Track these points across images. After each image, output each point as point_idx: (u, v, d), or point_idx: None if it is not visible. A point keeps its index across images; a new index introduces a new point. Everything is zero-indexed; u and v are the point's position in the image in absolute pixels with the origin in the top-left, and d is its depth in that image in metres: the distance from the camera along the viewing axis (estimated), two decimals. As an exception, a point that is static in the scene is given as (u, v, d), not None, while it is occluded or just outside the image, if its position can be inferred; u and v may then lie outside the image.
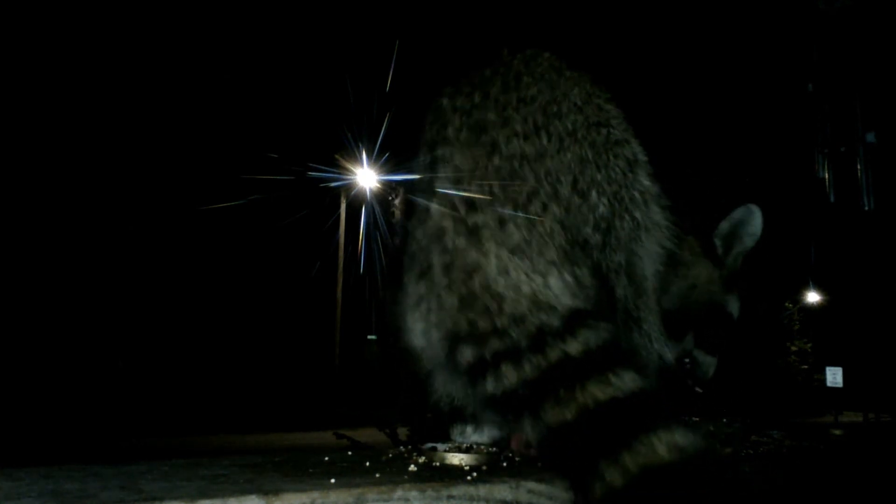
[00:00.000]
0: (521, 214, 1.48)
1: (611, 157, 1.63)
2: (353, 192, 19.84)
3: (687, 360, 2.04)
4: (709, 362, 2.05)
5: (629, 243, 1.61)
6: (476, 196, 1.50)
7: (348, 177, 19.36)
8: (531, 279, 1.41)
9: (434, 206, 1.54)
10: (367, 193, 19.13)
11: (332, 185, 19.28)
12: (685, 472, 1.12)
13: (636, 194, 1.65)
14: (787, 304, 21.04)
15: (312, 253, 20.79)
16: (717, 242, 2.04)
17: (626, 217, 1.61)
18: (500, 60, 1.72)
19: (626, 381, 1.24)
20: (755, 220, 2.04)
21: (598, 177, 1.59)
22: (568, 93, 1.65)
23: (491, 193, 1.50)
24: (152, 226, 21.41)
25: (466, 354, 1.38)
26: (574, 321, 1.34)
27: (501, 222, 1.47)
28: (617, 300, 1.58)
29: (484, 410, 1.47)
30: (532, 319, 1.35)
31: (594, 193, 1.57)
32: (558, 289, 1.41)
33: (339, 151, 18.95)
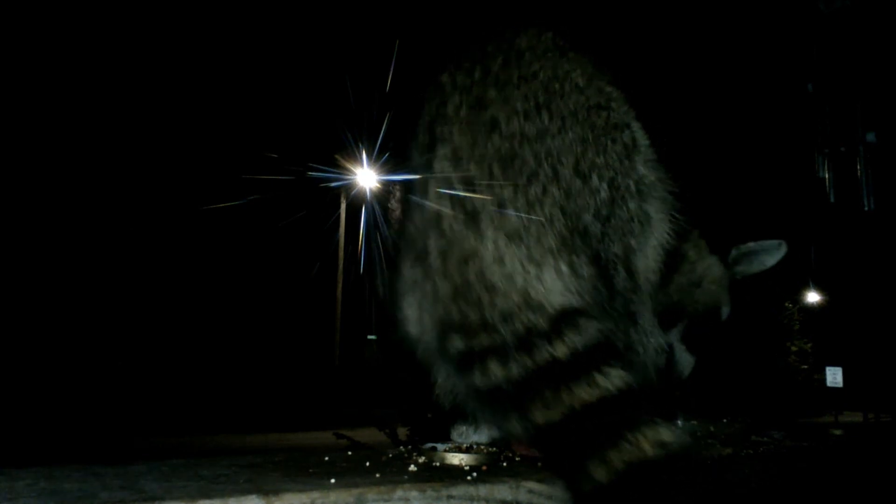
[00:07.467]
0: (520, 198, 1.45)
1: (608, 142, 1.60)
2: (353, 192, 19.82)
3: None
4: (686, 360, 2.01)
5: (625, 236, 1.59)
6: (475, 176, 1.48)
7: (348, 177, 19.33)
8: (526, 270, 1.40)
9: (432, 189, 1.51)
10: (367, 193, 19.10)
11: (332, 185, 19.26)
12: (669, 468, 1.15)
13: (631, 183, 1.63)
14: (787, 304, 20.98)
15: (312, 253, 20.79)
16: (734, 253, 2.04)
17: (624, 206, 1.59)
18: (502, 37, 1.69)
19: (614, 379, 1.25)
20: (777, 255, 2.05)
21: (598, 161, 1.56)
22: (570, 72, 1.63)
23: (490, 174, 1.48)
24: (152, 226, 21.41)
25: (456, 344, 1.38)
26: (562, 322, 1.34)
27: (500, 205, 1.45)
28: (616, 293, 1.56)
29: (472, 400, 1.48)
30: (521, 317, 1.34)
31: (595, 177, 1.54)
32: (551, 282, 1.40)
33: (339, 151, 18.94)
